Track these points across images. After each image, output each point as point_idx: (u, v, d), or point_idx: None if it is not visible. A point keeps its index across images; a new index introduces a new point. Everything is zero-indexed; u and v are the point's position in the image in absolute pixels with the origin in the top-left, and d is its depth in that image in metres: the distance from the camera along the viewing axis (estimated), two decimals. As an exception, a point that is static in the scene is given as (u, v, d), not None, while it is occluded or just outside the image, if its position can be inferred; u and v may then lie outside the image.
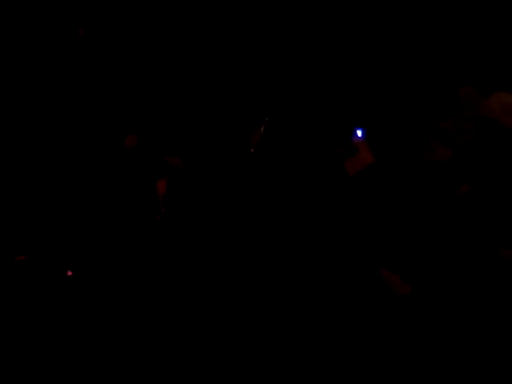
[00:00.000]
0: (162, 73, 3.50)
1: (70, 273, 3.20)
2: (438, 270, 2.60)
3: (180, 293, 3.03)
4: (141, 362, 2.87)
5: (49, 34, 3.42)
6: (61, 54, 3.44)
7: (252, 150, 3.20)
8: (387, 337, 2.68)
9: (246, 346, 2.82)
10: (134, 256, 3.22)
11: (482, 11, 3.09)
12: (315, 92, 3.16)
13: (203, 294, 2.98)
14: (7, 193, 3.31)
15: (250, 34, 3.39)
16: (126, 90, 3.49)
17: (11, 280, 3.13)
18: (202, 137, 3.38)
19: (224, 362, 2.80)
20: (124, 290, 3.11)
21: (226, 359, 2.80)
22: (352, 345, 2.71)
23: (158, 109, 3.53)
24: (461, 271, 2.54)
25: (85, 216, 3.31)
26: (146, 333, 2.96)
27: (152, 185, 3.32)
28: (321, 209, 2.95)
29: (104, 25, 3.50)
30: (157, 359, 2.88)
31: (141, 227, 3.29)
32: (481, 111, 2.63)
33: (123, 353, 2.90)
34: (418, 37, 3.13)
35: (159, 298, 3.05)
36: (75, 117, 3.41)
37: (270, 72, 3.32)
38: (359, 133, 2.86)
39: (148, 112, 3.50)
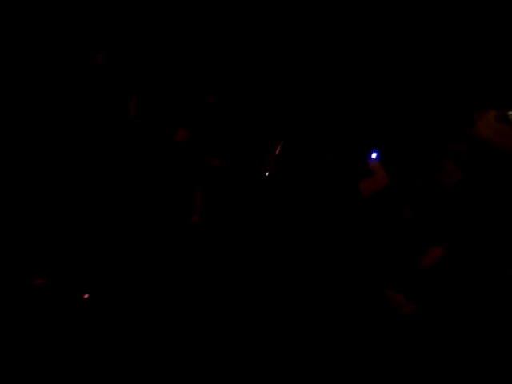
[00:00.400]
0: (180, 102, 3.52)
1: (86, 295, 3.22)
2: (443, 288, 2.62)
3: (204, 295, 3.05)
4: (141, 362, 2.87)
5: (66, 61, 3.45)
6: (81, 82, 3.47)
7: (267, 173, 3.23)
8: (391, 355, 2.68)
9: (246, 347, 2.83)
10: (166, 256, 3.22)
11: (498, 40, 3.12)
12: (331, 113, 3.18)
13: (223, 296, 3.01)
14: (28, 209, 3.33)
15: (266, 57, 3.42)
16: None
17: (29, 300, 3.16)
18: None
19: (224, 362, 2.80)
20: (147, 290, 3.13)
21: (225, 359, 2.81)
22: (355, 363, 2.72)
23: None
24: (465, 289, 2.56)
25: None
26: (153, 334, 2.97)
27: (191, 186, 3.32)
28: (334, 228, 2.96)
29: (125, 49, 3.51)
30: (157, 359, 2.88)
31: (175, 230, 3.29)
32: (473, 133, 2.66)
33: (124, 353, 2.91)
34: (434, 61, 3.15)
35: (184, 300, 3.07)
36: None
37: (286, 91, 3.34)
38: (374, 155, 2.88)
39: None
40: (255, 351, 2.84)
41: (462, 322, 2.58)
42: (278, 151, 3.22)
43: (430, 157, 2.93)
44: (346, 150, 3.03)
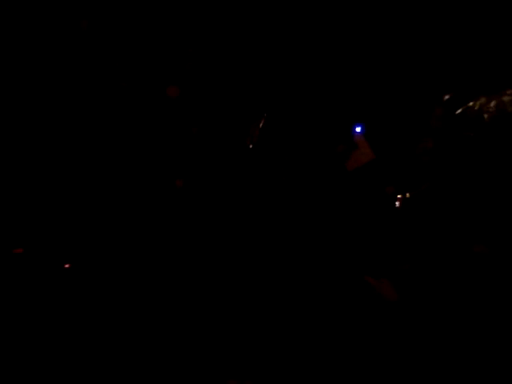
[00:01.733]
0: (164, 70, 3.48)
1: (67, 265, 3.20)
2: (424, 273, 2.65)
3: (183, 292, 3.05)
4: (141, 362, 2.87)
5: (48, 28, 3.39)
6: (63, 50, 3.41)
7: (250, 145, 3.22)
8: (378, 343, 2.71)
9: (246, 347, 2.84)
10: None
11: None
12: (315, 88, 3.18)
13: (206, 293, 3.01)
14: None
15: (249, 31, 3.40)
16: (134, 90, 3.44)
17: (9, 273, 3.13)
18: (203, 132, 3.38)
19: (224, 362, 2.81)
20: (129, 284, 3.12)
21: (225, 359, 2.82)
22: (344, 351, 2.74)
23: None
24: (444, 272, 2.59)
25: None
26: (146, 331, 2.96)
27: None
28: (318, 205, 2.97)
29: (111, 15, 3.45)
30: (157, 359, 2.89)
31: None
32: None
33: (123, 352, 2.91)
34: (414, 36, 3.16)
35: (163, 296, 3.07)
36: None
37: (269, 67, 3.33)
38: (358, 129, 2.88)
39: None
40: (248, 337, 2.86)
41: (443, 309, 2.61)
42: (261, 124, 3.22)
43: (411, 133, 2.94)
44: (330, 125, 3.03)
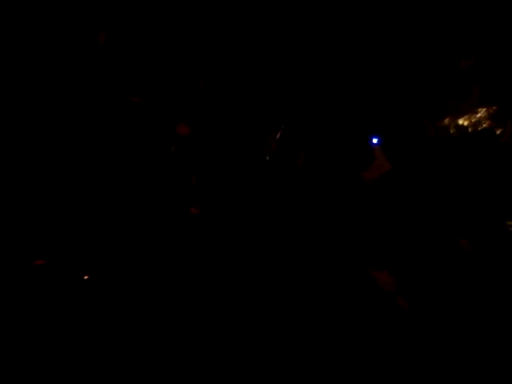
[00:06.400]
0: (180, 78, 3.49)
1: (86, 276, 3.22)
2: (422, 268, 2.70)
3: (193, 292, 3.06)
4: (141, 361, 2.88)
5: (65, 40, 3.41)
6: (79, 62, 3.42)
7: (267, 157, 3.25)
8: (378, 334, 2.74)
9: (246, 346, 2.85)
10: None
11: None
12: (332, 100, 3.20)
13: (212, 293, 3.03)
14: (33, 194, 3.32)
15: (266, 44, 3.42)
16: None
17: (28, 283, 3.16)
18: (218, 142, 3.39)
19: (224, 362, 2.82)
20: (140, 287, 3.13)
21: (226, 359, 2.83)
22: (344, 342, 2.76)
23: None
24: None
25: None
26: (149, 333, 2.98)
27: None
28: (333, 214, 3.00)
29: (129, 27, 3.45)
30: (157, 359, 2.90)
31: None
32: None
33: (126, 353, 2.92)
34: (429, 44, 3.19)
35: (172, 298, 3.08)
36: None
37: (287, 80, 3.35)
38: (375, 140, 2.90)
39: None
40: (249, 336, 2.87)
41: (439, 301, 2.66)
42: (278, 136, 3.24)
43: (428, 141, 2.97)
44: (347, 136, 3.05)
